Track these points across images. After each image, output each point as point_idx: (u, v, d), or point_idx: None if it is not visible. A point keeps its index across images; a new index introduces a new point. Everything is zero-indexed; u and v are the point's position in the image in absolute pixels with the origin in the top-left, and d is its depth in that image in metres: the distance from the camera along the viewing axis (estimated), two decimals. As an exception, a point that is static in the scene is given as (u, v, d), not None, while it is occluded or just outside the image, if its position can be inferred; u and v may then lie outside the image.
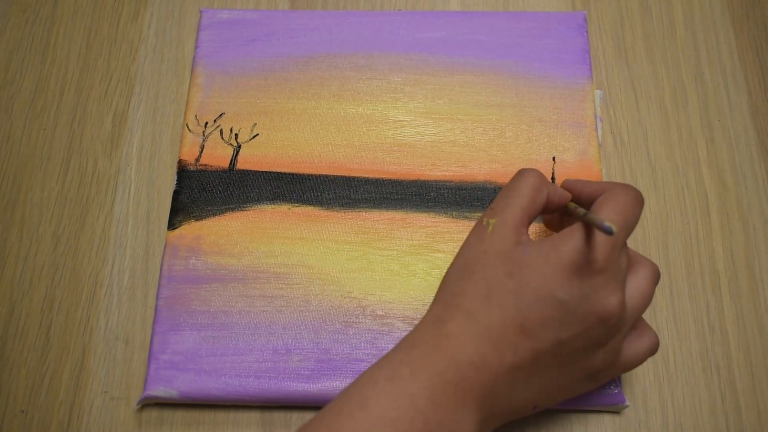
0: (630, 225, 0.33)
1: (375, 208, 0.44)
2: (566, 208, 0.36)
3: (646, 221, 0.44)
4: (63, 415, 0.40)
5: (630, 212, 0.33)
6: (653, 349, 0.35)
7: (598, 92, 0.47)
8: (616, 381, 0.39)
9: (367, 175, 0.44)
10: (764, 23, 0.50)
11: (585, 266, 0.31)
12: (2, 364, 0.41)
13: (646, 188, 0.45)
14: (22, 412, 0.40)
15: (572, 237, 0.32)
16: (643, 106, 0.48)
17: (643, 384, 0.41)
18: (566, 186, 0.38)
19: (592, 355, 0.33)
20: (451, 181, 0.44)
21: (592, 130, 0.45)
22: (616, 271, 0.32)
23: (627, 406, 0.39)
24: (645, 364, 0.41)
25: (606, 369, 0.34)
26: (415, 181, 0.44)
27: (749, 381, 0.41)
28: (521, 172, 0.36)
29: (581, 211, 0.33)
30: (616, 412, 0.40)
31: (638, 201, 0.34)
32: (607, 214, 0.32)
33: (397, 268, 0.42)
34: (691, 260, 0.44)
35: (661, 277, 0.43)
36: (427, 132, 0.46)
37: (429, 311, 0.34)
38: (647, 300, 0.34)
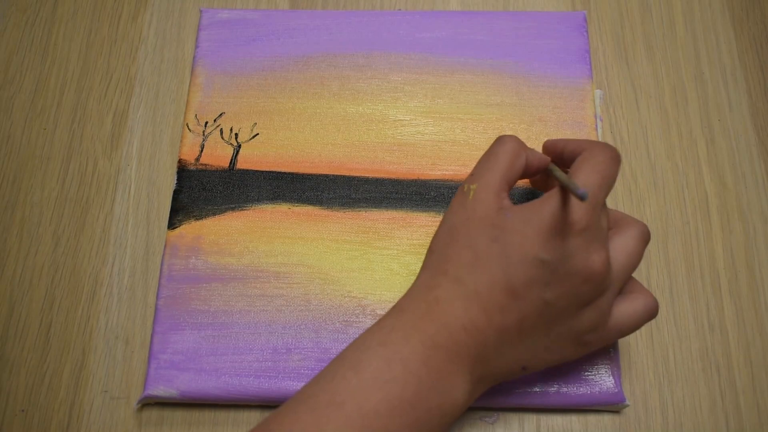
0: (608, 183, 0.34)
1: (375, 207, 0.44)
2: (546, 171, 0.37)
3: (646, 221, 0.44)
4: (63, 415, 0.40)
5: (607, 171, 0.34)
6: (650, 312, 0.35)
7: (598, 92, 0.47)
8: (615, 380, 0.39)
9: (367, 175, 0.44)
10: (764, 23, 0.50)
11: (566, 227, 0.31)
12: (2, 364, 0.41)
13: (646, 188, 0.45)
14: (22, 411, 0.40)
15: (552, 199, 0.32)
16: (643, 106, 0.48)
17: (643, 384, 0.41)
18: (548, 145, 0.39)
19: (578, 315, 0.33)
20: (452, 181, 0.44)
21: (592, 129, 0.45)
22: (598, 230, 0.32)
23: (627, 406, 0.39)
24: (645, 363, 0.41)
25: (594, 331, 0.34)
26: (415, 180, 0.44)
27: (749, 380, 0.41)
28: (499, 139, 0.36)
29: (560, 175, 0.33)
30: (616, 412, 0.40)
31: (615, 159, 0.34)
32: (586, 174, 0.33)
33: (397, 268, 0.42)
34: (691, 260, 0.44)
35: (661, 276, 0.43)
36: (427, 131, 0.46)
37: (417, 279, 0.35)
38: (634, 260, 0.34)
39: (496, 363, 0.33)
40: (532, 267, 0.32)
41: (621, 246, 0.34)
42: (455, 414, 0.32)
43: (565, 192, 0.32)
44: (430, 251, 0.35)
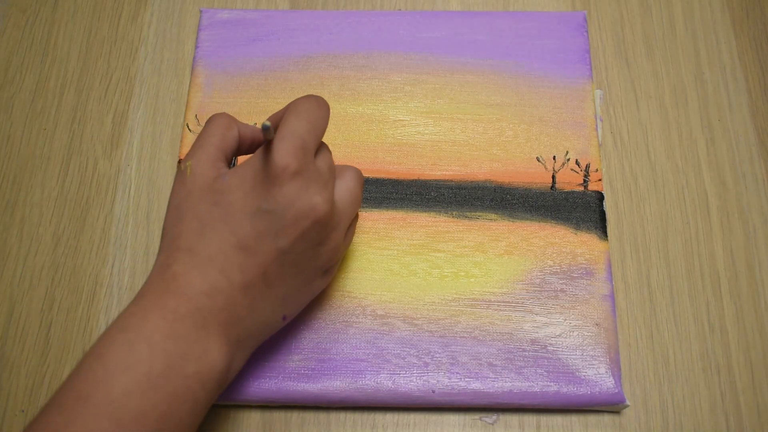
0: (316, 126, 0.35)
1: (375, 207, 0.44)
2: (262, 132, 0.37)
3: (646, 221, 0.44)
4: (63, 415, 0.40)
5: (313, 115, 0.35)
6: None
7: (598, 92, 0.47)
8: (615, 381, 0.39)
9: (367, 175, 0.44)
10: (764, 23, 0.50)
11: (280, 174, 0.32)
12: (2, 364, 0.41)
13: (646, 188, 0.45)
14: (22, 411, 0.40)
15: (262, 152, 0.33)
16: (643, 106, 0.48)
17: (643, 384, 0.41)
18: (270, 118, 0.39)
19: (317, 254, 0.35)
20: (452, 181, 0.44)
21: (592, 129, 0.45)
22: (315, 173, 0.34)
23: (627, 406, 0.39)
24: (645, 363, 0.41)
25: (331, 259, 0.36)
26: (415, 180, 0.44)
27: (749, 381, 0.41)
28: (209, 118, 0.37)
29: (263, 125, 0.34)
30: (616, 412, 0.40)
31: (320, 104, 0.36)
32: (291, 121, 0.34)
33: (397, 268, 0.42)
34: (691, 260, 0.44)
35: (661, 276, 0.43)
36: (427, 131, 0.46)
37: (155, 262, 0.35)
38: (357, 197, 0.37)
39: (252, 320, 0.34)
40: (257, 219, 0.33)
41: (344, 188, 0.36)
42: (218, 379, 0.33)
43: (273, 142, 0.33)
44: (162, 235, 0.36)
